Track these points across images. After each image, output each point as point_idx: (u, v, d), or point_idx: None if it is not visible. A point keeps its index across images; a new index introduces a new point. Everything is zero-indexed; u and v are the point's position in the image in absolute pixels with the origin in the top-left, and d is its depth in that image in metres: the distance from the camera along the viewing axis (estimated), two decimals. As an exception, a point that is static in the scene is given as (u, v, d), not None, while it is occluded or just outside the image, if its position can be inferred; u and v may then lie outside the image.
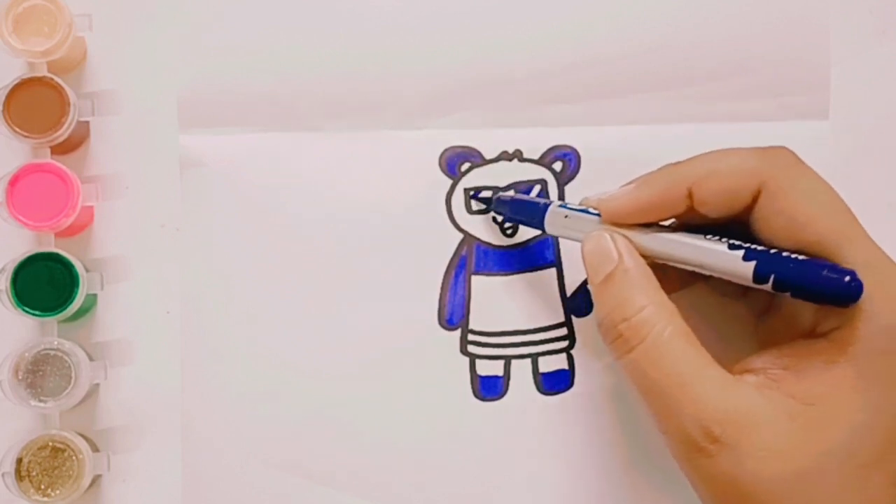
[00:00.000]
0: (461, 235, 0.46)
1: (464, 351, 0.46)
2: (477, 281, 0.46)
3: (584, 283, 0.46)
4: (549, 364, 0.46)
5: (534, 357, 0.46)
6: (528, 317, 0.46)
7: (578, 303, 0.46)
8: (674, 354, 0.36)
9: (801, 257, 0.36)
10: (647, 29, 0.46)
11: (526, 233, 0.46)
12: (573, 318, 0.46)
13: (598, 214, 0.40)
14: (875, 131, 0.47)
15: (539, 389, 0.46)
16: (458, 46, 0.46)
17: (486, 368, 0.46)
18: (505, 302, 0.46)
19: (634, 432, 0.45)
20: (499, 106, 0.46)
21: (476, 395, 0.46)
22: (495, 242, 0.46)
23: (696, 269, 0.38)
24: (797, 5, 0.46)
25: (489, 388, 0.46)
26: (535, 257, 0.46)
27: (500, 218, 0.46)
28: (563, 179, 0.46)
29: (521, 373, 0.46)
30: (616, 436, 0.45)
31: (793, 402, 0.35)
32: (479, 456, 0.45)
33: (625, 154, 0.46)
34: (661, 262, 0.39)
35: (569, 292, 0.46)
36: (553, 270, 0.46)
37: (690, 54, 0.46)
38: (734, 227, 0.39)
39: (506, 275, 0.46)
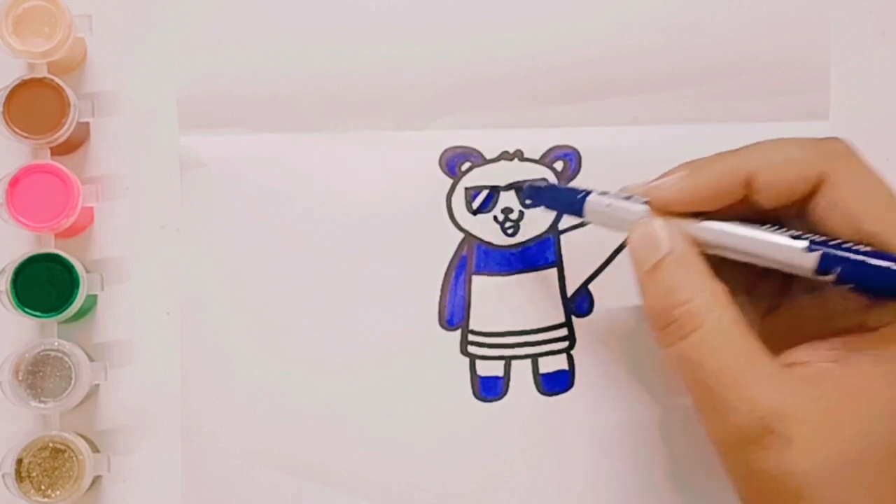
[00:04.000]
0: (462, 235, 0.46)
1: (464, 351, 0.46)
2: (477, 281, 0.46)
3: (585, 283, 0.46)
4: (549, 365, 0.46)
5: (534, 358, 0.46)
6: (528, 317, 0.46)
7: (579, 303, 0.46)
8: (731, 343, 0.36)
9: (865, 248, 0.35)
10: (647, 29, 0.46)
11: (527, 232, 0.46)
12: (573, 318, 0.46)
13: (642, 202, 0.39)
14: (875, 131, 0.47)
15: (539, 390, 0.46)
16: (458, 47, 0.46)
17: (487, 369, 0.46)
18: (505, 302, 0.46)
19: (635, 433, 0.45)
20: (499, 106, 0.46)
21: (476, 396, 0.46)
22: (496, 242, 0.46)
23: (750, 261, 0.37)
24: (797, 5, 0.46)
25: (489, 389, 0.46)
26: (536, 257, 0.46)
27: (501, 217, 0.46)
28: (565, 179, 0.46)
29: (522, 373, 0.46)
30: (616, 437, 0.45)
31: (842, 396, 0.35)
32: (479, 456, 0.45)
33: (626, 154, 0.46)
34: (710, 252, 0.38)
35: (569, 292, 0.46)
36: (554, 271, 0.46)
37: (691, 55, 0.46)
38: (773, 218, 0.38)
39: (506, 275, 0.46)
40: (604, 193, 0.40)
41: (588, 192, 0.41)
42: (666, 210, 0.39)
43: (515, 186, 0.45)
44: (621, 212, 0.40)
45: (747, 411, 0.34)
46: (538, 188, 0.44)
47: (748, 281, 0.41)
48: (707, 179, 0.38)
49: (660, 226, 0.38)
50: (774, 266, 0.37)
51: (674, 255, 0.37)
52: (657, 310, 0.37)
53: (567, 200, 0.41)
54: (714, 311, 0.36)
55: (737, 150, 0.39)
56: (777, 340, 0.39)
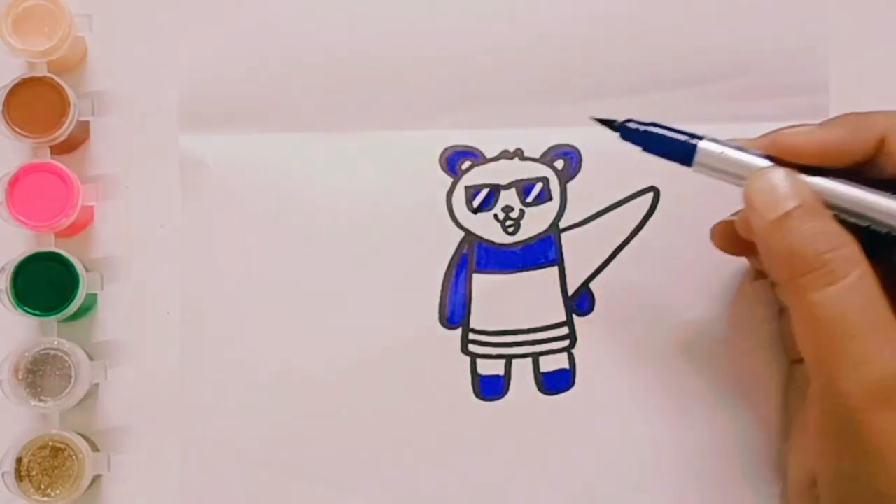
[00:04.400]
0: (462, 234, 0.46)
1: (464, 350, 0.46)
2: (478, 280, 0.46)
3: (586, 282, 0.46)
4: (549, 363, 0.46)
5: (535, 356, 0.46)
6: (529, 316, 0.46)
7: (580, 302, 0.46)
8: (874, 296, 0.35)
9: None
10: (647, 30, 0.46)
11: (527, 231, 0.46)
12: (574, 317, 0.46)
13: (758, 154, 0.38)
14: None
15: (540, 389, 0.45)
16: (458, 46, 0.46)
17: (487, 368, 0.45)
18: (506, 301, 0.46)
19: (635, 431, 0.45)
20: (499, 106, 0.46)
21: (477, 395, 0.45)
22: (496, 241, 0.46)
23: (871, 225, 0.37)
24: (797, 5, 0.46)
25: (490, 388, 0.45)
26: (537, 256, 0.46)
27: (501, 216, 0.46)
28: (565, 177, 0.46)
29: (522, 372, 0.46)
30: (617, 435, 0.45)
31: None
32: (480, 456, 0.45)
33: (626, 153, 0.46)
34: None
35: (570, 291, 0.46)
36: (554, 269, 0.46)
37: (690, 55, 0.46)
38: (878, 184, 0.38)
39: (507, 273, 0.46)
40: (714, 141, 0.39)
41: (699, 138, 0.39)
42: (787, 161, 0.38)
43: (612, 124, 0.41)
44: (737, 161, 0.39)
45: (889, 366, 0.34)
46: (641, 130, 0.40)
47: None
48: (841, 132, 0.38)
49: (785, 176, 0.37)
50: None
51: (804, 207, 0.36)
52: (799, 256, 0.36)
53: (675, 145, 0.40)
54: (860, 262, 0.35)
55: (869, 112, 0.38)
56: None
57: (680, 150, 0.40)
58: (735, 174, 0.39)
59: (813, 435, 0.36)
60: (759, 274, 0.45)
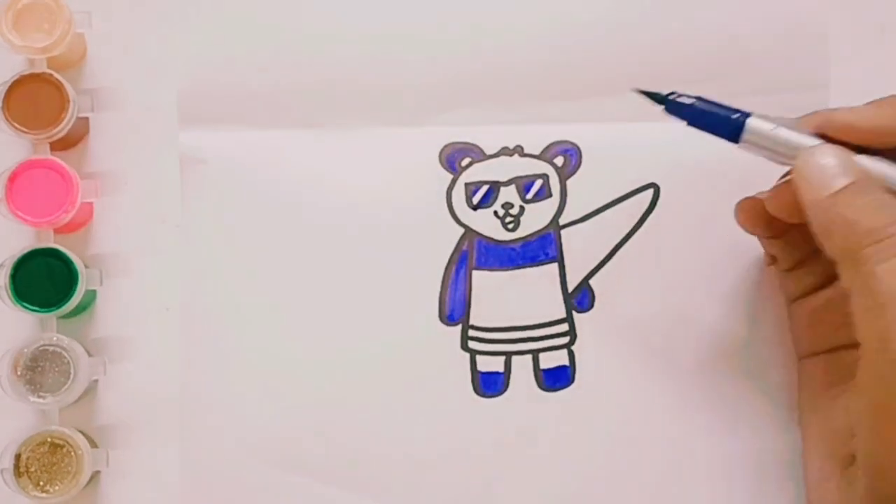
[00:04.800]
0: (462, 230, 0.46)
1: (464, 347, 0.45)
2: (478, 276, 0.46)
3: (586, 278, 0.46)
4: (549, 360, 0.45)
5: (535, 353, 0.45)
6: (529, 312, 0.46)
7: (580, 298, 0.46)
8: None
9: None
10: (647, 27, 0.46)
11: (527, 227, 0.46)
12: (574, 313, 0.46)
13: (807, 132, 0.38)
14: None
15: (540, 386, 0.45)
16: (458, 43, 0.46)
17: (487, 364, 0.45)
18: (506, 297, 0.46)
19: (635, 428, 0.45)
20: (499, 103, 0.46)
21: (476, 392, 0.45)
22: (496, 237, 0.46)
23: None
24: (797, 5, 0.46)
25: (490, 385, 0.45)
26: (537, 252, 0.46)
27: (501, 213, 0.46)
28: (565, 174, 0.46)
29: (522, 369, 0.45)
30: (617, 432, 0.45)
31: None
32: (480, 453, 0.45)
33: (626, 150, 0.46)
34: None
35: (570, 288, 0.46)
36: (554, 266, 0.46)
37: (690, 52, 0.46)
38: None
39: (507, 270, 0.46)
40: (762, 117, 0.39)
41: (747, 114, 0.39)
42: (839, 140, 0.38)
43: (656, 97, 0.41)
44: (787, 139, 0.39)
45: None
46: (686, 105, 0.40)
47: None
48: (894, 112, 0.38)
49: (841, 153, 0.37)
50: None
51: (861, 183, 0.37)
52: (862, 227, 0.35)
53: (722, 121, 0.39)
54: None
55: None
56: None
57: (727, 126, 0.39)
58: (783, 152, 0.39)
59: (867, 420, 0.36)
60: (772, 259, 0.45)
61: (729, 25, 0.46)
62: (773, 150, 0.39)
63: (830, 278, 0.41)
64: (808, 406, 0.44)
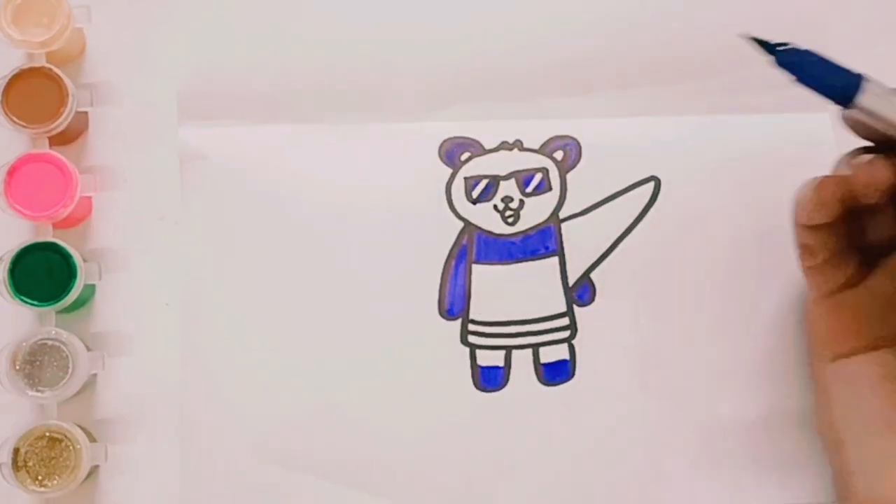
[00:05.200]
0: (462, 224, 0.46)
1: (464, 341, 0.45)
2: (478, 270, 0.46)
3: (586, 272, 0.46)
4: (550, 354, 0.45)
5: (535, 347, 0.45)
6: (529, 306, 0.46)
7: (580, 292, 0.46)
8: None
9: None
10: (647, 23, 0.47)
11: (527, 221, 0.46)
12: (575, 307, 0.46)
13: None
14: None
15: (540, 380, 0.45)
16: (457, 38, 0.47)
17: (487, 359, 0.45)
18: (506, 291, 0.46)
19: (635, 423, 0.45)
20: (498, 98, 0.46)
21: (476, 386, 0.45)
22: (496, 231, 0.46)
23: None
24: (797, 5, 0.47)
25: (490, 379, 0.45)
26: (537, 246, 0.46)
27: (501, 206, 0.46)
28: (565, 168, 0.46)
29: (522, 363, 0.45)
30: (617, 426, 0.45)
31: None
32: (480, 447, 0.45)
33: (626, 145, 0.46)
34: None
35: (570, 282, 0.46)
36: (555, 259, 0.46)
37: (690, 48, 0.47)
38: None
39: (507, 264, 0.46)
40: (872, 81, 0.37)
41: (860, 76, 0.37)
42: None
43: (769, 46, 0.37)
44: None
45: None
46: (797, 58, 0.37)
47: None
48: None
49: None
50: None
51: None
52: None
53: (839, 77, 0.37)
54: None
55: None
56: None
57: (842, 85, 0.37)
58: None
59: None
60: (808, 251, 0.41)
61: (729, 22, 0.46)
62: (886, 119, 0.36)
63: (863, 275, 0.40)
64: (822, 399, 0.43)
